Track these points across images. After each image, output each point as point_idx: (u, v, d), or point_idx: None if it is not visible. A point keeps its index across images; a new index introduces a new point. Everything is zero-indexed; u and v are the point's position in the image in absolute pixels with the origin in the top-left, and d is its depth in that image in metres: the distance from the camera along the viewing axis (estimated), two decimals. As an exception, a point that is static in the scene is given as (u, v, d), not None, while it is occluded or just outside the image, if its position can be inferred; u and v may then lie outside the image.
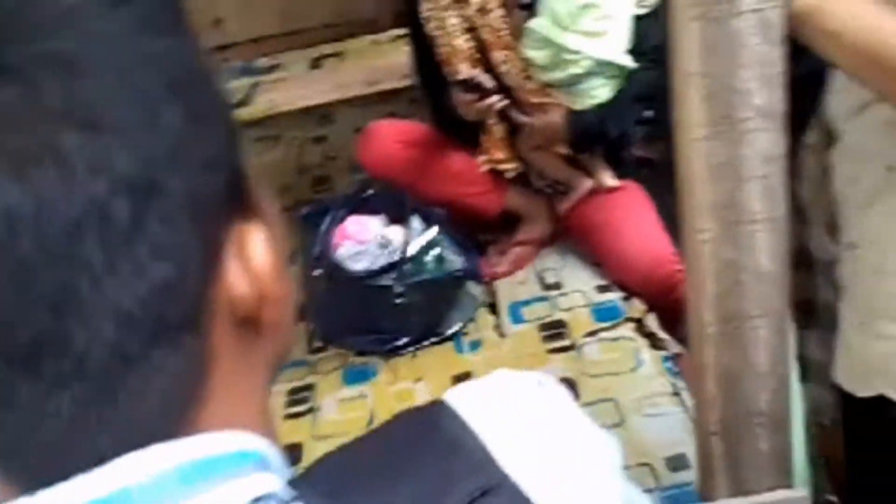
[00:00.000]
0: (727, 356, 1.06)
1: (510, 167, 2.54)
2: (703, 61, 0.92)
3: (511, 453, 0.52)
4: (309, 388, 2.32)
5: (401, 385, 2.26)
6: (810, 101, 1.02)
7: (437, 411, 0.55)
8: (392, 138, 2.58)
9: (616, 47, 2.29)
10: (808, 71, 0.95)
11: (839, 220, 1.21)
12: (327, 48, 3.24)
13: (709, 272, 1.02)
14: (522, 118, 2.43)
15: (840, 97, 1.15)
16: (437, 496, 0.49)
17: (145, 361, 0.43)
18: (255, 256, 0.47)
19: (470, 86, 2.37)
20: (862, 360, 1.15)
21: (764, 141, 0.95)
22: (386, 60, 2.98)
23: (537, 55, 2.31)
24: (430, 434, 0.53)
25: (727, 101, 0.94)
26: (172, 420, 0.45)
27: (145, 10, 0.44)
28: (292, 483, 0.48)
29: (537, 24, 2.28)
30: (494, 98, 2.36)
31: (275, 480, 0.47)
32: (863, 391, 1.16)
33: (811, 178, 1.20)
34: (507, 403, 0.56)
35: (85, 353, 0.41)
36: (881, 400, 1.14)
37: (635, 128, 2.49)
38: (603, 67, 2.30)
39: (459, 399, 0.56)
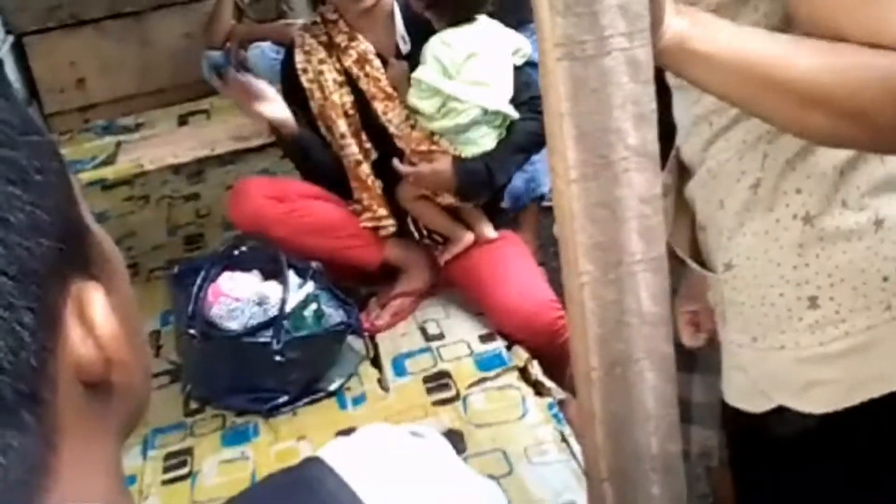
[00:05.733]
0: (614, 401, 1.03)
1: (389, 223, 2.52)
2: (574, 102, 0.91)
3: None
4: (187, 451, 2.23)
5: (282, 444, 2.20)
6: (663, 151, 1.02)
7: (312, 469, 0.53)
8: (262, 194, 2.52)
9: (501, 96, 2.32)
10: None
11: (708, 249, 1.21)
12: (193, 105, 3.18)
13: (591, 315, 0.99)
14: (407, 168, 2.42)
15: (691, 138, 1.17)
16: None
17: None
18: (96, 318, 0.45)
19: None
20: (758, 376, 1.14)
21: (640, 181, 0.94)
22: (254, 116, 2.93)
23: (424, 104, 2.31)
24: (307, 494, 0.51)
25: (601, 141, 0.92)
26: (21, 496, 0.42)
27: None
28: None
29: (424, 73, 2.29)
30: None
31: None
32: (761, 406, 1.15)
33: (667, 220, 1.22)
34: (384, 458, 0.55)
35: None
36: (772, 415, 1.13)
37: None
38: (489, 116, 2.33)
39: (335, 455, 0.54)
